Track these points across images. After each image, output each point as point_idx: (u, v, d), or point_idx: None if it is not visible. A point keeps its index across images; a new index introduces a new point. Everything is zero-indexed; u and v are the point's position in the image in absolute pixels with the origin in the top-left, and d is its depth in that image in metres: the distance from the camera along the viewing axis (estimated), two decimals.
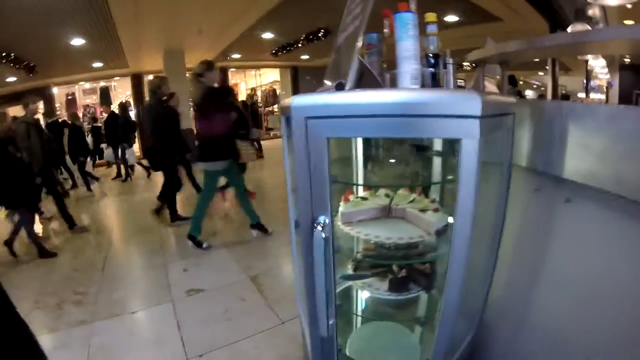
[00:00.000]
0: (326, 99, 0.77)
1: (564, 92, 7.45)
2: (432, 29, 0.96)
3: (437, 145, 1.32)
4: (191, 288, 2.65)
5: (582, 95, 8.36)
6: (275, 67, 13.12)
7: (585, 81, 7.84)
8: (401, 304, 1.49)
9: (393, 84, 0.98)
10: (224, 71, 12.17)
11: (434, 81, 0.98)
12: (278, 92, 13.66)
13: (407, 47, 0.91)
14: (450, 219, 1.11)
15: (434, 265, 1.34)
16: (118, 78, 10.71)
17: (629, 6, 2.56)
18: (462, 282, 0.87)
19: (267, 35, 7.97)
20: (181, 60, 8.79)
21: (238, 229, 3.98)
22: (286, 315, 2.26)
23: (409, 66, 0.92)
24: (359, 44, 0.82)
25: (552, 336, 1.19)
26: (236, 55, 10.40)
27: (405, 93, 0.77)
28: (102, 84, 10.70)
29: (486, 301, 1.33)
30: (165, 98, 4.10)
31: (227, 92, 3.94)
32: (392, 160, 1.44)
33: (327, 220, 0.83)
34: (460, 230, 0.82)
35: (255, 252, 3.32)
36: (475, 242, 0.88)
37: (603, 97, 8.15)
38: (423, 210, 1.30)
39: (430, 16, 0.95)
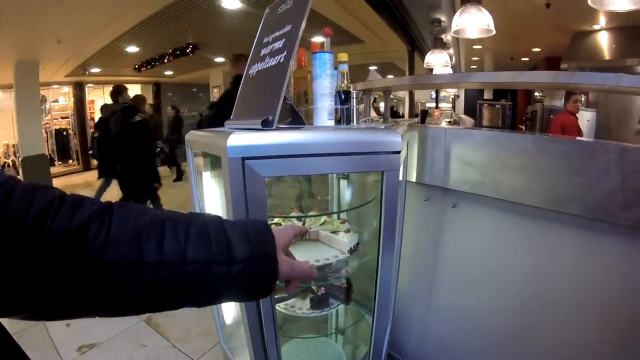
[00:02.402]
0: (262, 139, 0.78)
1: (423, 108, 8.62)
2: (343, 67, 1.06)
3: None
4: (82, 344, 2.26)
5: (431, 105, 9.75)
6: (136, 83, 12.11)
7: (434, 93, 9.24)
8: (317, 319, 1.57)
9: (309, 119, 1.05)
10: (80, 87, 10.72)
11: (345, 115, 1.07)
12: None
13: (325, 85, 0.98)
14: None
15: (349, 280, 1.44)
16: None
17: (479, 35, 3.15)
18: (392, 288, 0.97)
19: (132, 49, 7.32)
20: (35, 73, 7.46)
21: None
22: (195, 353, 2.14)
23: (325, 102, 0.99)
24: (285, 82, 0.85)
25: (453, 311, 1.44)
26: (96, 70, 9.26)
27: (342, 133, 0.84)
28: None
29: (396, 295, 1.50)
30: None
31: None
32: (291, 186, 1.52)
33: None
34: (387, 246, 0.93)
35: None
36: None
37: (450, 105, 9.74)
38: (335, 232, 1.40)
39: (342, 56, 1.05)
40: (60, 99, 11.43)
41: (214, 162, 1.22)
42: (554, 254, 1.14)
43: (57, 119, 11.17)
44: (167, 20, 5.48)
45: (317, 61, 1.01)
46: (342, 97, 1.07)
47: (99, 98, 12.90)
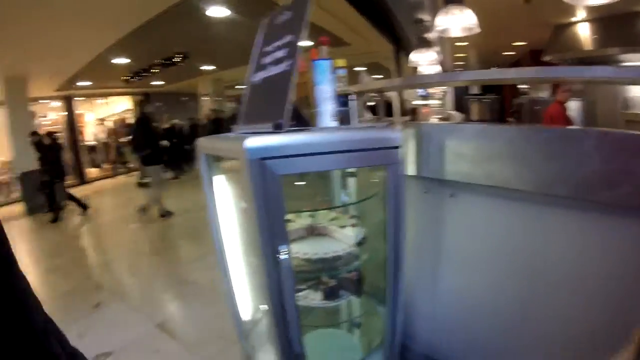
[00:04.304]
0: (277, 141, 0.86)
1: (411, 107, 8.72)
2: (341, 72, 1.14)
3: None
4: (97, 354, 2.30)
5: (418, 102, 9.83)
6: (126, 94, 12.10)
7: (424, 90, 9.31)
8: (330, 311, 1.64)
9: (314, 121, 1.13)
10: (68, 100, 10.68)
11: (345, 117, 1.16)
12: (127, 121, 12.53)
13: (326, 90, 1.07)
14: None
15: (359, 272, 1.53)
16: None
17: (463, 33, 3.25)
18: (402, 276, 1.06)
19: (121, 60, 7.34)
20: (23, 89, 7.45)
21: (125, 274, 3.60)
22: (211, 356, 2.18)
23: (328, 106, 1.08)
24: (292, 88, 0.93)
25: (458, 296, 1.53)
26: (84, 83, 9.25)
27: (347, 132, 0.93)
28: None
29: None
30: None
31: None
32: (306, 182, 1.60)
33: (287, 248, 0.92)
34: (395, 236, 1.01)
35: (154, 298, 3.07)
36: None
37: (437, 102, 9.82)
38: (343, 227, 1.48)
39: (340, 62, 1.14)
40: (50, 114, 11.39)
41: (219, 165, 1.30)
42: (547, 234, 1.23)
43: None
44: (155, 30, 5.52)
45: (317, 68, 1.09)
46: (342, 100, 1.15)
47: (88, 111, 12.90)
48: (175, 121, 9.61)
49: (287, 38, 1.09)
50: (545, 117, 4.40)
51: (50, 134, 6.21)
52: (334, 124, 1.11)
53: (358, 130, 0.99)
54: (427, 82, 1.81)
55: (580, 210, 1.12)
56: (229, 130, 1.26)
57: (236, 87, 12.55)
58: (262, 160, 0.84)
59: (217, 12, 4.96)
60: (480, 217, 1.39)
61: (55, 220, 6.02)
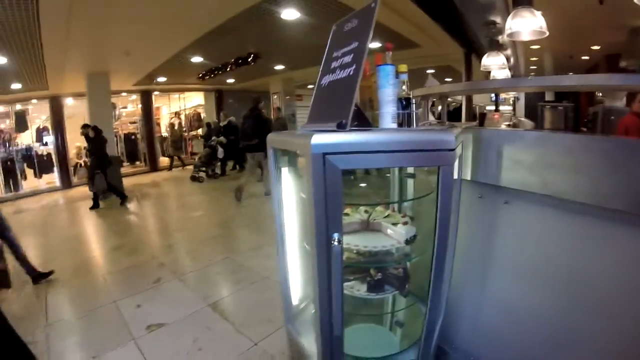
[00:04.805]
0: (339, 138, 0.96)
1: (482, 111, 8.39)
2: (403, 77, 1.21)
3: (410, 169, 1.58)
4: (151, 323, 2.57)
5: (491, 107, 9.41)
6: (199, 90, 12.95)
7: (494, 95, 8.92)
8: (374, 304, 1.71)
9: (375, 122, 1.21)
10: (147, 94, 11.70)
11: (407, 119, 1.23)
12: (202, 115, 13.44)
13: (389, 93, 1.15)
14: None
15: (405, 269, 1.58)
16: (35, 101, 9.63)
17: (533, 37, 3.14)
18: (445, 277, 1.10)
19: (196, 59, 7.92)
20: (106, 83, 8.35)
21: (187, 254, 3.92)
22: (257, 337, 2.34)
23: (389, 108, 1.16)
24: (356, 92, 1.03)
25: (503, 306, 1.52)
26: (162, 79, 10.09)
27: (403, 133, 1.01)
28: (18, 107, 9.49)
29: (449, 288, 1.61)
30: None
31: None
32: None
33: (340, 236, 1.01)
34: (442, 236, 1.06)
35: (208, 280, 3.34)
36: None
37: (510, 108, 9.34)
38: (395, 224, 1.55)
39: (402, 67, 1.21)
40: (129, 106, 12.57)
41: (290, 160, 1.43)
42: (601, 248, 1.20)
43: (125, 124, 12.33)
44: (230, 32, 5.89)
45: (381, 73, 1.17)
46: (403, 103, 1.22)
47: (164, 105, 14.03)
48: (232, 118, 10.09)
49: (354, 45, 1.19)
50: (620, 128, 4.08)
51: (95, 128, 6.67)
52: (394, 125, 1.19)
53: (414, 131, 1.06)
54: (490, 87, 1.80)
55: (634, 225, 1.09)
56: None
57: (308, 86, 12.87)
58: (325, 155, 0.95)
59: (289, 14, 5.19)
60: (533, 227, 1.38)
61: (93, 207, 6.62)
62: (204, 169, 9.25)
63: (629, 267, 1.13)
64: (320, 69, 1.37)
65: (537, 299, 1.42)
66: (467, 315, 1.73)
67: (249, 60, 7.74)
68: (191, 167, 9.86)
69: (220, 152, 9.26)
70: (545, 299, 1.39)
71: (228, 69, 8.59)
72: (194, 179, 9.01)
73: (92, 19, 4.78)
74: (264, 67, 9.31)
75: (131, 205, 6.91)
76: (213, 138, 9.48)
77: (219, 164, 9.62)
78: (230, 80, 11.39)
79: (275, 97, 12.03)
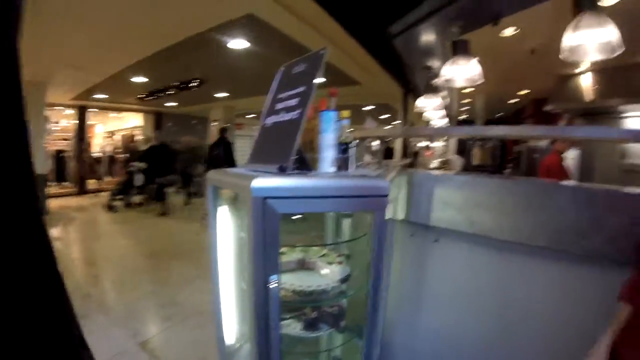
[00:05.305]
0: (279, 182, 0.99)
1: (415, 149, 8.92)
2: (345, 122, 1.29)
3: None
4: None
5: (425, 143, 10.02)
6: (139, 111, 12.44)
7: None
8: (310, 343, 1.71)
9: (315, 164, 1.26)
10: (82, 110, 10.99)
11: (345, 163, 1.29)
12: (136, 137, 12.70)
13: (330, 138, 1.21)
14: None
15: (341, 307, 1.61)
16: None
17: (467, 84, 3.45)
18: (380, 312, 1.15)
19: (139, 79, 7.65)
20: (41, 93, 7.74)
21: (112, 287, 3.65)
22: None
23: (330, 153, 1.22)
24: (298, 136, 1.07)
25: (437, 335, 1.61)
26: (101, 95, 9.57)
27: (341, 180, 1.06)
28: None
29: (384, 321, 1.66)
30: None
31: None
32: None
33: (278, 278, 1.02)
34: (376, 275, 1.12)
35: (138, 314, 3.13)
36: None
37: (443, 144, 10.01)
38: (331, 263, 1.59)
39: (345, 113, 1.28)
40: (63, 121, 11.67)
41: (228, 198, 1.42)
42: (524, 282, 1.33)
43: (57, 140, 11.40)
44: (177, 55, 5.80)
45: (324, 118, 1.23)
46: (343, 147, 1.29)
47: (99, 123, 13.22)
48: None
49: (300, 89, 1.25)
50: (542, 167, 4.45)
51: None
52: (333, 169, 1.24)
53: (351, 178, 1.12)
54: (424, 133, 1.95)
55: (553, 259, 1.23)
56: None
57: (247, 116, 12.85)
58: (265, 199, 0.97)
59: (237, 44, 5.24)
60: (461, 263, 1.50)
61: None
62: (120, 196, 8.25)
63: (548, 294, 1.26)
64: (266, 109, 1.41)
65: (465, 329, 1.52)
66: (404, 346, 1.79)
67: (193, 85, 7.63)
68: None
69: (138, 179, 8.10)
70: (473, 329, 1.50)
71: (171, 92, 8.36)
72: (109, 207, 8.03)
73: (34, 26, 4.46)
74: (207, 94, 9.22)
75: (55, 230, 6.32)
76: (132, 164, 8.41)
77: (136, 192, 8.38)
78: (171, 104, 11.11)
79: (216, 124, 11.80)
